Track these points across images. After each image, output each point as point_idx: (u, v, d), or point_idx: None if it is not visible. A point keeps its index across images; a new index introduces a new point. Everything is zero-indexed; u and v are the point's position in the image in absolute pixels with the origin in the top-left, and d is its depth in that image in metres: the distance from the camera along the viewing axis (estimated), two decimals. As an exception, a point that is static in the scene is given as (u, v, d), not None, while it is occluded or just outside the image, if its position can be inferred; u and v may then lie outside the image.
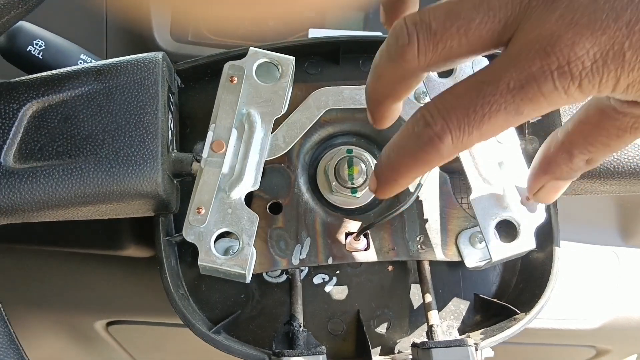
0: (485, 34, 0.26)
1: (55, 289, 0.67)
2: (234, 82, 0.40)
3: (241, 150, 0.39)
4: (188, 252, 0.45)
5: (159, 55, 0.39)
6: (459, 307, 0.46)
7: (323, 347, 0.39)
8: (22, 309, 0.67)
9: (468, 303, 0.46)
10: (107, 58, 0.44)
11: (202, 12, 0.63)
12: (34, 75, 0.37)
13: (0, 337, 0.33)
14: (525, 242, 0.40)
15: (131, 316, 0.71)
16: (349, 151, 0.45)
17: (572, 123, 0.31)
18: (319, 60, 0.48)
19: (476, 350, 0.40)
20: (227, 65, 0.40)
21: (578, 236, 0.69)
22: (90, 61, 0.48)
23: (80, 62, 0.47)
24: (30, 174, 0.35)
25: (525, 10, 0.26)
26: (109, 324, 0.72)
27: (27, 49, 0.46)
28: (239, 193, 0.39)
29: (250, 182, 0.39)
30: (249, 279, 0.40)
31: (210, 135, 0.39)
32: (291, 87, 0.42)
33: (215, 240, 0.39)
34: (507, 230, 0.42)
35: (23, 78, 0.37)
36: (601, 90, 0.25)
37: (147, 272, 0.63)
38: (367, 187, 0.45)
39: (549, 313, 0.67)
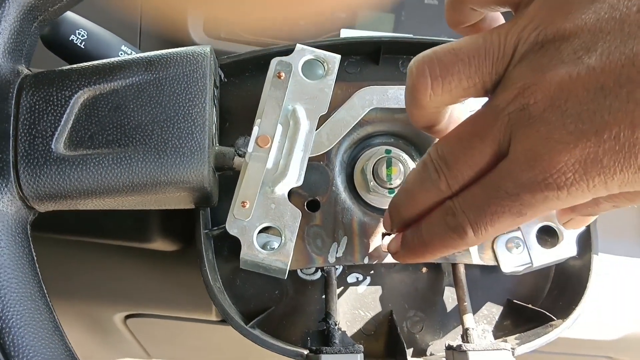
0: (487, 156, 0.30)
1: (78, 279, 0.67)
2: (282, 77, 0.40)
3: (286, 146, 0.39)
4: (224, 247, 0.45)
5: (207, 48, 0.39)
6: (491, 311, 0.46)
7: (360, 345, 0.39)
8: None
9: (501, 308, 0.46)
10: (141, 52, 0.44)
11: (235, 11, 0.64)
12: (85, 64, 0.38)
13: (46, 322, 0.33)
14: (567, 249, 0.40)
15: (151, 309, 0.71)
16: (388, 151, 0.45)
17: None
18: (359, 60, 0.48)
19: (513, 355, 0.40)
20: (274, 61, 0.40)
21: (601, 247, 0.69)
22: (131, 53, 0.48)
23: (121, 54, 0.48)
24: (80, 161, 0.35)
25: (510, 128, 0.28)
26: (127, 316, 0.72)
27: (70, 38, 0.46)
28: (282, 189, 0.39)
29: (294, 178, 0.39)
30: (286, 275, 0.40)
31: (256, 129, 0.39)
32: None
33: None
34: (545, 236, 0.42)
35: (75, 66, 0.37)
36: (595, 193, 0.27)
37: (170, 265, 0.63)
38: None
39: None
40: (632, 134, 0.24)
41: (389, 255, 0.44)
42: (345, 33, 0.62)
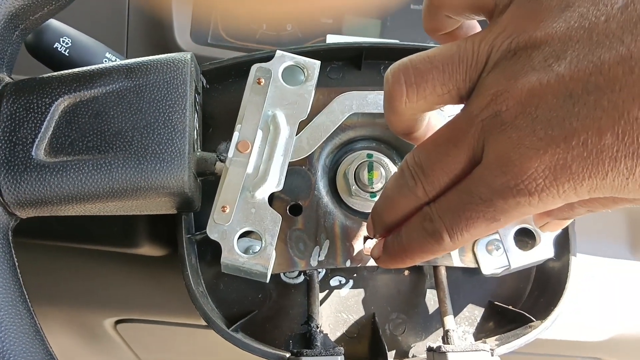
0: (462, 163, 0.30)
1: (67, 286, 0.68)
2: (261, 83, 0.40)
3: (266, 151, 0.40)
4: (207, 251, 0.46)
5: (187, 55, 0.40)
6: (473, 313, 0.47)
7: (341, 347, 0.40)
8: (33, 304, 0.67)
9: (482, 310, 0.47)
10: (127, 58, 0.44)
11: (222, 17, 0.64)
12: (66, 71, 0.38)
13: (27, 327, 0.34)
14: (544, 251, 0.40)
15: (140, 314, 0.71)
16: (369, 156, 0.46)
17: None
18: (341, 66, 0.49)
19: (492, 355, 0.40)
20: (254, 67, 0.41)
21: (586, 248, 0.70)
22: (115, 60, 0.49)
23: (106, 60, 0.48)
24: (60, 168, 0.35)
25: (483, 135, 0.28)
26: (117, 322, 0.73)
27: (54, 46, 0.46)
28: (262, 193, 0.39)
29: (274, 182, 0.40)
30: (268, 279, 0.40)
31: (236, 135, 0.39)
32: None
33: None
34: (523, 237, 0.43)
35: (55, 74, 0.38)
36: (565, 199, 0.27)
37: (159, 270, 0.64)
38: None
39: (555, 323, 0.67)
40: (599, 141, 0.25)
41: (371, 258, 0.44)
42: (332, 39, 0.63)
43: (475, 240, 0.44)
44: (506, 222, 0.29)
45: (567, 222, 0.38)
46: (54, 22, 0.46)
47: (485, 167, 0.28)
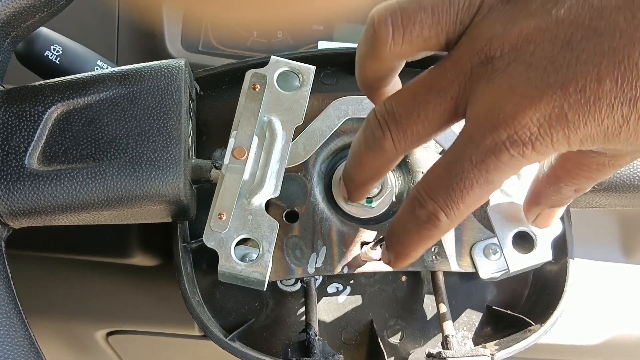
0: (442, 113, 0.29)
1: (58, 297, 0.67)
2: (257, 89, 0.40)
3: (262, 158, 0.39)
4: (202, 260, 0.45)
5: (181, 62, 0.40)
6: (471, 318, 0.46)
7: (340, 355, 0.39)
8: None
9: (480, 314, 0.46)
10: (118, 66, 0.44)
11: (212, 25, 0.64)
12: (59, 79, 0.38)
13: (21, 340, 0.33)
14: (542, 254, 0.40)
15: (133, 325, 0.70)
16: (365, 161, 0.45)
17: (555, 158, 0.33)
18: (335, 71, 0.49)
19: (492, 360, 0.40)
20: (249, 73, 0.40)
21: (580, 252, 0.70)
22: (107, 67, 0.48)
23: (97, 68, 0.48)
24: (54, 177, 0.35)
25: (470, 84, 0.27)
26: (109, 334, 0.72)
27: (44, 54, 0.46)
28: (259, 200, 0.39)
29: (270, 189, 0.39)
30: (265, 287, 0.40)
31: (231, 141, 0.39)
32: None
33: None
34: (521, 241, 0.42)
35: (48, 81, 0.37)
36: (557, 149, 0.26)
37: (152, 280, 0.63)
38: (382, 198, 0.45)
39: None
40: (597, 87, 0.24)
41: (369, 264, 0.44)
42: (323, 45, 0.63)
43: (473, 245, 0.44)
44: (500, 181, 0.28)
45: (559, 212, 0.37)
46: (44, 30, 0.46)
47: (473, 124, 0.27)
